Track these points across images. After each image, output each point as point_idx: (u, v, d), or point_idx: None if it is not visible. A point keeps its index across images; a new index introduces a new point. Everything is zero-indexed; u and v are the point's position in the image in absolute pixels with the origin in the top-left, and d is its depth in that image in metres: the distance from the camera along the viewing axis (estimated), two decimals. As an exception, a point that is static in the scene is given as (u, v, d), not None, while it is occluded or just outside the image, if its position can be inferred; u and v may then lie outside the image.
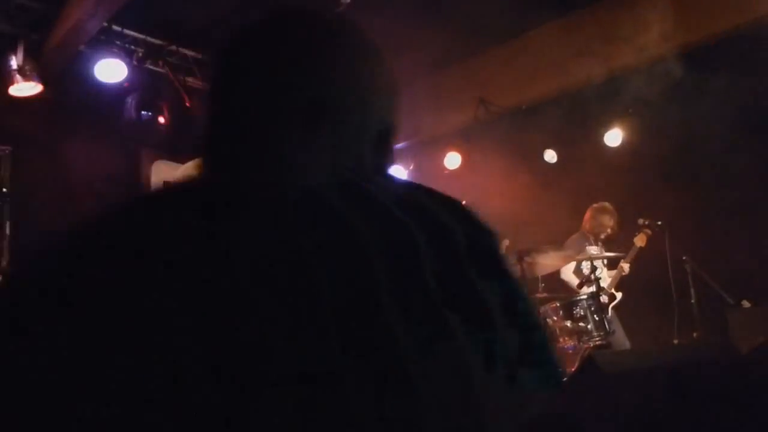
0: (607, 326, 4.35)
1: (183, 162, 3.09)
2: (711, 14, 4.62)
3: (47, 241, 0.75)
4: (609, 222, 5.27)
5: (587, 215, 5.39)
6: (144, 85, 5.23)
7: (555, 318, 4.47)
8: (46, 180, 5.08)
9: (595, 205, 5.39)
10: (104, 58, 4.74)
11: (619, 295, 5.11)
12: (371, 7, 4.86)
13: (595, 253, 4.95)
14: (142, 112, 5.27)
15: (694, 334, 4.64)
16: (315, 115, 0.77)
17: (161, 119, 5.40)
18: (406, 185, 0.81)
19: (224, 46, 0.83)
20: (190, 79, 5.35)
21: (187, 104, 2.27)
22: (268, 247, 0.65)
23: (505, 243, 5.71)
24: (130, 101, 5.20)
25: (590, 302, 4.40)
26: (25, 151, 4.76)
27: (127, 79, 4.90)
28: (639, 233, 5.13)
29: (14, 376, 0.59)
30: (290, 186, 0.71)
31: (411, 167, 7.03)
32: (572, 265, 5.16)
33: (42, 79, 4.56)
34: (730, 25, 4.63)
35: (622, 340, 4.90)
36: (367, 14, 4.97)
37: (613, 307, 5.04)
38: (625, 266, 5.10)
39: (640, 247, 5.11)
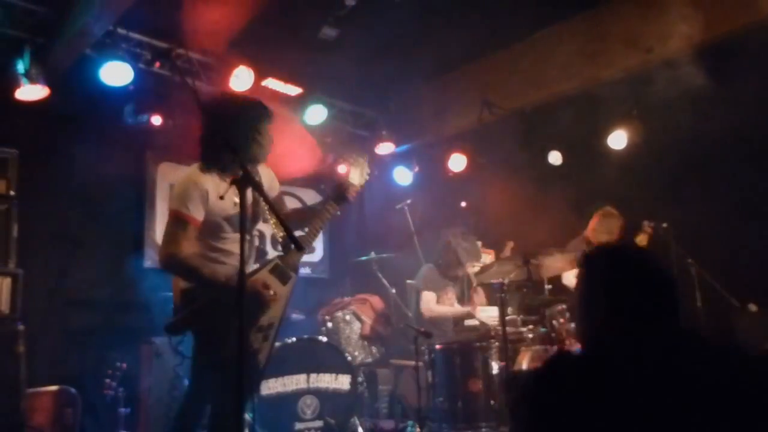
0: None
1: (189, 164, 3.10)
2: (718, 16, 4.60)
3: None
4: (615, 227, 5.25)
5: (593, 221, 5.35)
6: (149, 88, 5.25)
7: (561, 320, 4.45)
8: (52, 183, 5.10)
9: (600, 211, 5.37)
10: (110, 61, 4.75)
11: None
12: (377, 9, 4.86)
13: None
14: (146, 115, 5.28)
15: (700, 337, 4.61)
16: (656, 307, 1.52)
17: (166, 122, 5.41)
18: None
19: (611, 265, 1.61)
20: (196, 83, 5.36)
21: (200, 106, 2.26)
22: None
23: (510, 245, 5.71)
24: (131, 104, 5.22)
25: (596, 305, 4.39)
26: (31, 154, 4.78)
27: (132, 82, 4.91)
28: (640, 233, 5.11)
29: None
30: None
31: (416, 169, 7.02)
32: (574, 270, 5.14)
33: (48, 83, 4.57)
34: (736, 25, 4.62)
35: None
36: (372, 17, 4.99)
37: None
38: None
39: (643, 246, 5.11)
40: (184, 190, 2.79)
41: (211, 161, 2.83)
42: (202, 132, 2.89)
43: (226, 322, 2.65)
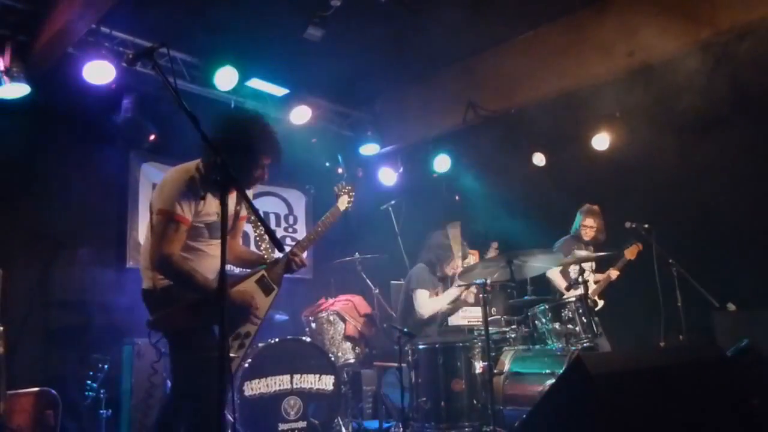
0: (595, 328, 4.37)
1: (172, 164, 3.07)
2: (699, 20, 4.65)
3: None
4: (595, 224, 5.31)
5: (578, 219, 5.43)
6: (133, 87, 5.20)
7: (543, 320, 4.48)
8: (33, 182, 5.04)
9: (582, 208, 5.43)
10: (92, 59, 4.71)
11: (600, 303, 5.14)
12: (360, 11, 4.87)
13: (583, 255, 4.97)
14: (131, 114, 5.23)
15: (681, 337, 4.67)
16: None
17: (150, 121, 5.37)
18: None
19: None
20: (180, 82, 5.32)
21: (181, 105, 2.23)
22: None
23: (494, 245, 5.73)
24: (125, 104, 5.16)
25: (578, 305, 4.42)
26: (12, 153, 4.72)
27: (115, 81, 4.87)
28: (630, 246, 5.13)
29: None
30: None
31: (400, 170, 7.03)
32: (558, 267, 5.18)
33: (29, 81, 4.52)
34: (717, 31, 4.68)
35: (605, 344, 4.93)
36: (355, 18, 4.99)
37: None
38: (613, 273, 5.13)
39: (629, 259, 5.14)
40: (179, 189, 2.73)
41: (210, 168, 2.77)
42: (215, 139, 2.59)
43: (207, 325, 2.72)
